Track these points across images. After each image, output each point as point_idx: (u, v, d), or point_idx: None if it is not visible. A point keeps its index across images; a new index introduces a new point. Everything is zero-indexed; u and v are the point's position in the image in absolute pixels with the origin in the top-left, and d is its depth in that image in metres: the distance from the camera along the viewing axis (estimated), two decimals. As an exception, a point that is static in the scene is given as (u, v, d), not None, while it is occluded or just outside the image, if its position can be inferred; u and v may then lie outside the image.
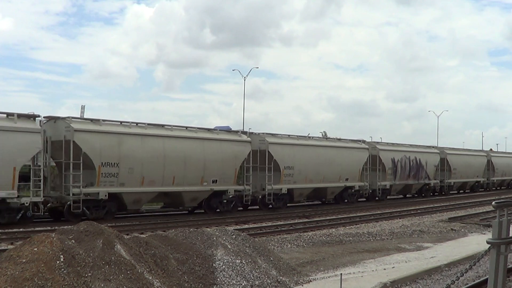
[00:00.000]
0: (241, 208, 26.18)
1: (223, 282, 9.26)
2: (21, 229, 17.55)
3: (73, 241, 8.42)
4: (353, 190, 31.83)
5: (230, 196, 24.58)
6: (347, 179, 30.99)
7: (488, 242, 6.44)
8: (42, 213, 19.46)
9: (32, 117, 18.98)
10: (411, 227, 20.74)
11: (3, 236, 16.15)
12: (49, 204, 20.04)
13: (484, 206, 30.63)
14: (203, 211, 24.51)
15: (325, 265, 12.63)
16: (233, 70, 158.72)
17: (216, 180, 23.86)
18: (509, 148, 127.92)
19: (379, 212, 27.67)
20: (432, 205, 31.92)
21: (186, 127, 24.33)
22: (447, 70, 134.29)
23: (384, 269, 11.81)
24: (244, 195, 25.31)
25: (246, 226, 20.49)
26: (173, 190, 22.46)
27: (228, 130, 27.06)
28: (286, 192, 27.17)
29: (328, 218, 24.29)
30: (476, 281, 9.98)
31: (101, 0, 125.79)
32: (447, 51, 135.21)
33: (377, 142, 36.37)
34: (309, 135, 32.32)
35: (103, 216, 20.28)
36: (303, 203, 31.07)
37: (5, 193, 17.77)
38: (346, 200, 31.76)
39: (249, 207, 26.90)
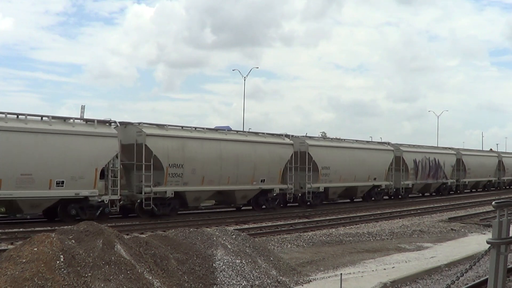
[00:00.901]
0: (282, 205, 27.99)
1: (223, 282, 9.25)
2: (21, 229, 17.56)
3: (73, 241, 8.41)
4: (379, 189, 34.09)
5: (275, 194, 26.68)
6: (375, 179, 33.39)
7: (488, 242, 6.43)
8: (119, 210, 21.15)
9: (108, 122, 21.01)
10: (411, 227, 20.73)
11: (3, 236, 16.15)
12: (121, 202, 21.44)
13: (484, 206, 30.63)
14: (250, 207, 26.63)
15: (325, 265, 12.63)
16: (233, 70, 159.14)
17: (264, 180, 26.10)
18: (509, 148, 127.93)
19: (379, 212, 27.67)
20: (432, 205, 31.91)
21: (237, 131, 27.37)
22: (447, 70, 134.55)
23: (384, 269, 11.81)
24: (287, 193, 27.28)
25: (246, 226, 20.49)
26: (227, 188, 24.60)
27: (273, 134, 28.73)
28: (323, 190, 29.38)
29: (328, 218, 24.29)
30: (476, 281, 9.98)
31: (101, 0, 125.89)
32: (447, 51, 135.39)
33: (401, 144, 38.17)
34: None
35: (168, 212, 22.29)
36: (336, 201, 32.80)
37: (88, 191, 19.73)
38: (373, 198, 33.75)
39: (288, 204, 28.72)
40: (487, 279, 7.00)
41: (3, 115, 18.29)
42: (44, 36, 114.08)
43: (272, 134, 28.26)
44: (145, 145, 21.30)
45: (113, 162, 20.63)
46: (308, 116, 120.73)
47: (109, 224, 15.32)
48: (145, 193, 21.15)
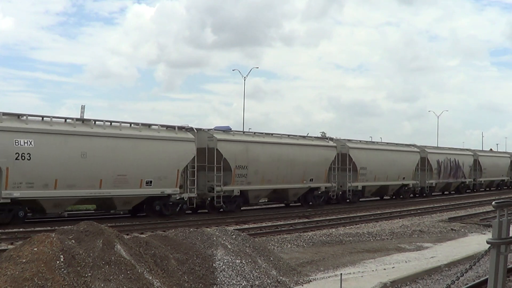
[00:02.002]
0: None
1: (223, 282, 9.25)
2: (21, 229, 17.56)
3: (73, 241, 8.41)
4: (407, 188, 36.73)
5: (320, 192, 29.28)
6: (403, 178, 36.03)
7: (488, 242, 6.43)
8: (195, 206, 23.54)
9: (185, 128, 23.59)
10: (411, 227, 20.73)
11: (3, 236, 16.14)
12: (188, 199, 23.40)
13: (484, 206, 30.63)
14: (299, 204, 29.37)
15: (325, 265, 12.63)
16: (233, 70, 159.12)
17: (312, 179, 28.68)
18: (509, 148, 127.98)
19: (379, 212, 27.68)
20: (432, 205, 31.91)
21: (288, 135, 29.36)
22: (447, 70, 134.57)
23: (384, 269, 11.81)
24: (331, 191, 29.99)
25: (246, 226, 20.49)
26: (282, 187, 27.21)
27: (318, 137, 31.81)
28: (361, 189, 31.96)
29: (328, 218, 24.29)
30: (476, 281, 9.97)
31: (101, 0, 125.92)
32: (448, 51, 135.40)
33: (425, 146, 40.99)
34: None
35: (234, 209, 24.86)
36: (370, 199, 35.43)
37: (171, 190, 22.07)
38: (401, 196, 36.43)
39: (330, 201, 30.89)
40: (487, 279, 7.00)
41: (102, 123, 20.69)
42: (44, 36, 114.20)
43: (318, 138, 31.53)
44: (216, 149, 23.82)
45: (191, 164, 22.91)
46: (309, 116, 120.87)
47: (109, 224, 15.32)
48: (216, 192, 23.68)
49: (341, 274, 9.74)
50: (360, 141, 34.88)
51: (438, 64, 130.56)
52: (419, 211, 28.28)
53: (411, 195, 37.97)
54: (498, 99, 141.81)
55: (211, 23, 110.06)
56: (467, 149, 48.44)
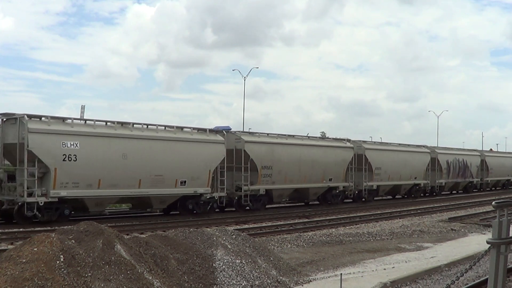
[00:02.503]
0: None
1: (223, 282, 9.25)
2: (21, 229, 17.56)
3: (73, 241, 8.41)
4: (418, 187, 38.21)
5: (337, 191, 30.72)
6: (415, 178, 37.54)
7: (488, 242, 6.43)
8: (224, 204, 24.81)
9: (214, 131, 24.87)
10: (411, 227, 20.73)
11: (3, 236, 16.13)
12: (219, 198, 24.53)
13: (484, 206, 30.62)
14: (317, 202, 30.66)
15: (325, 265, 12.63)
16: (233, 70, 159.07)
17: (331, 179, 30.11)
18: (509, 148, 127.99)
19: (379, 212, 27.68)
20: (432, 205, 31.90)
21: (308, 137, 31.00)
22: (448, 70, 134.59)
23: (384, 269, 11.81)
24: (348, 190, 31.42)
25: (246, 226, 20.48)
26: (304, 186, 28.46)
27: (336, 138, 33.22)
28: (376, 188, 33.53)
29: (328, 218, 24.29)
30: (476, 281, 9.97)
31: (101, 0, 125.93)
32: (448, 51, 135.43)
33: (435, 147, 43.23)
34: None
35: (259, 207, 26.06)
36: (384, 197, 36.97)
37: (203, 189, 23.25)
38: (413, 195, 37.76)
39: (345, 200, 32.11)
40: (487, 279, 7.00)
41: (140, 126, 21.80)
42: (44, 36, 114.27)
43: (336, 139, 32.93)
44: (244, 150, 25.05)
45: (221, 164, 24.03)
46: (309, 116, 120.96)
47: (109, 224, 15.32)
48: (243, 191, 24.94)
49: (341, 274, 9.74)
50: (375, 142, 36.80)
51: (438, 64, 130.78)
52: (419, 211, 28.27)
53: (422, 194, 39.34)
54: (498, 99, 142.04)
55: (212, 23, 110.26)
56: (474, 150, 50.15)
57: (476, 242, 16.08)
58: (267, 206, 27.24)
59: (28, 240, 8.09)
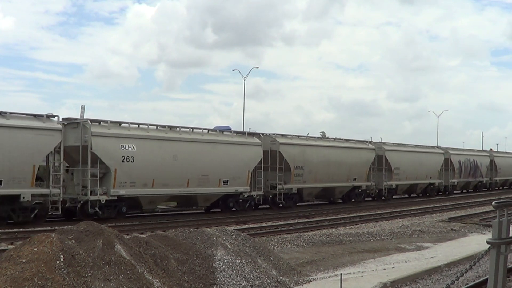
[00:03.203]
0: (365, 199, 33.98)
1: (223, 282, 9.25)
2: (21, 229, 17.56)
3: (73, 241, 8.41)
4: (433, 186, 40.24)
5: (360, 190, 32.62)
6: (430, 177, 39.68)
7: (488, 242, 6.43)
8: (261, 202, 26.68)
9: (253, 134, 27.02)
10: (411, 227, 20.73)
11: (3, 236, 16.14)
12: (257, 196, 26.33)
13: (484, 206, 30.61)
14: (341, 201, 32.50)
15: (325, 265, 12.63)
16: (233, 70, 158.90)
17: (355, 178, 32.00)
18: (509, 148, 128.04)
19: (379, 212, 27.68)
20: (432, 205, 31.90)
21: (334, 139, 33.52)
22: (448, 70, 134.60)
23: (384, 269, 11.81)
24: (370, 189, 33.41)
25: (246, 226, 20.48)
26: (331, 185, 30.42)
27: (360, 140, 35.03)
28: (395, 187, 35.60)
29: (328, 218, 24.30)
30: (476, 281, 9.97)
31: (101, 0, 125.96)
32: (448, 50, 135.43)
33: (448, 148, 44.61)
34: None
35: (291, 205, 27.73)
36: (401, 196, 38.74)
37: (243, 188, 25.15)
38: (428, 194, 39.76)
39: (366, 199, 34.00)
40: (487, 279, 7.00)
41: (187, 129, 23.66)
42: (44, 36, 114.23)
43: (360, 141, 34.66)
44: (279, 151, 26.77)
45: (258, 165, 25.81)
46: (309, 116, 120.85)
47: (109, 224, 15.33)
48: (278, 190, 26.64)
49: (341, 274, 9.74)
50: (393, 143, 38.27)
51: (438, 64, 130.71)
52: (419, 211, 28.27)
53: (436, 193, 41.24)
54: (498, 99, 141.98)
55: (212, 23, 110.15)
56: (484, 150, 53.18)
57: (476, 242, 16.07)
58: (298, 204, 29.09)
59: (28, 240, 8.09)
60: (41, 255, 7.50)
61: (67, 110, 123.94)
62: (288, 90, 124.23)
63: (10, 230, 17.19)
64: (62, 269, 7.47)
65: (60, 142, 19.22)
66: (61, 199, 19.24)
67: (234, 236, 11.09)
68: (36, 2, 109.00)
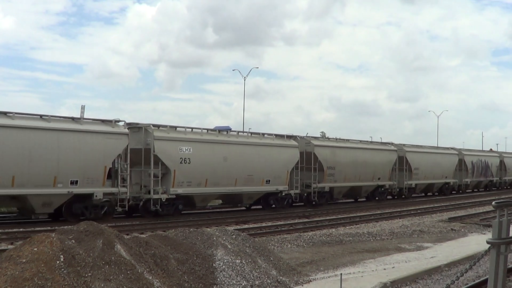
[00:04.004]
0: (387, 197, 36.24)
1: (223, 282, 9.25)
2: (21, 229, 17.56)
3: (73, 241, 8.41)
4: (448, 185, 42.45)
5: (383, 189, 34.72)
6: (446, 177, 41.96)
7: (488, 242, 6.43)
8: (297, 200, 28.57)
9: (291, 137, 28.93)
10: (411, 227, 20.73)
11: (3, 236, 16.14)
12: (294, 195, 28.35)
13: (484, 206, 30.61)
14: (364, 199, 34.59)
15: (325, 265, 12.63)
16: (233, 70, 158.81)
17: (379, 178, 34.07)
18: (509, 148, 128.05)
19: (379, 212, 27.69)
20: (432, 205, 31.91)
21: (360, 140, 35.23)
22: (449, 70, 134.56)
23: (384, 269, 11.81)
24: (392, 188, 35.54)
25: (246, 226, 20.49)
26: (358, 184, 32.45)
27: (383, 142, 37.83)
28: (414, 186, 37.62)
29: (328, 218, 24.30)
30: (476, 281, 9.97)
31: (101, 0, 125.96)
32: (449, 50, 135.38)
33: (462, 149, 47.07)
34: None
35: (324, 202, 29.73)
36: (421, 194, 40.66)
37: (282, 187, 27.24)
38: (443, 193, 41.90)
39: (388, 197, 36.29)
40: (487, 279, 7.00)
41: (234, 133, 26.28)
42: (44, 36, 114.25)
43: (383, 143, 37.48)
44: (313, 153, 28.81)
45: (295, 165, 27.86)
46: (309, 116, 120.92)
47: (109, 224, 15.32)
48: (313, 188, 28.64)
49: (341, 274, 9.74)
50: (413, 145, 40.47)
51: (439, 64, 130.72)
52: (419, 211, 28.27)
53: (451, 192, 43.28)
54: (499, 99, 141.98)
55: (213, 23, 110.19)
56: (494, 151, 56.23)
57: (476, 242, 16.07)
58: (331, 202, 31.22)
59: (28, 240, 8.09)
60: (41, 255, 7.50)
61: (67, 110, 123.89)
62: (288, 90, 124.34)
63: (10, 230, 17.19)
64: (62, 269, 7.47)
65: (127, 145, 20.86)
66: (128, 197, 20.97)
67: (234, 236, 11.09)
68: (36, 2, 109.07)
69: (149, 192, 21.55)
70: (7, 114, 18.49)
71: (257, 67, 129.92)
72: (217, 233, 10.94)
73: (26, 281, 7.04)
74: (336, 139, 33.11)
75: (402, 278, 10.45)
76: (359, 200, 34.74)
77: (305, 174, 28.59)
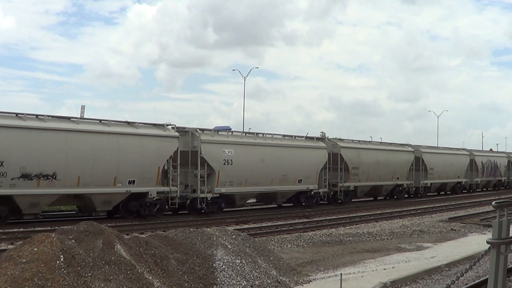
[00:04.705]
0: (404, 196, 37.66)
1: (223, 282, 9.25)
2: (21, 229, 17.56)
3: (73, 241, 8.41)
4: (460, 184, 44.26)
5: (401, 188, 36.48)
6: (458, 177, 43.91)
7: (488, 242, 6.43)
8: (325, 199, 30.60)
9: (318, 138, 31.54)
10: (411, 227, 20.73)
11: (3, 236, 16.13)
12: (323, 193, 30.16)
13: (484, 206, 30.61)
14: (385, 197, 36.42)
15: (325, 265, 12.63)
16: (233, 70, 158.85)
17: (398, 177, 35.78)
18: (509, 148, 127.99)
19: (379, 212, 27.69)
20: (432, 205, 31.91)
21: (380, 142, 37.80)
22: (449, 70, 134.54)
23: (384, 269, 11.81)
24: (410, 187, 37.43)
25: (246, 226, 20.48)
26: (379, 184, 34.30)
27: (401, 144, 39.07)
28: (430, 185, 39.76)
29: (328, 218, 24.29)
30: (476, 281, 9.97)
31: (101, 0, 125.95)
32: (450, 50, 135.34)
33: (472, 149, 49.24)
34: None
35: (348, 200, 31.42)
36: (434, 193, 42.26)
37: (312, 186, 28.75)
38: (456, 192, 43.57)
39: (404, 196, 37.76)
40: (487, 279, 7.00)
41: (270, 135, 27.65)
42: (44, 36, 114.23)
43: (401, 144, 39.05)
44: (340, 154, 30.66)
45: (324, 165, 29.38)
46: (310, 116, 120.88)
47: (109, 224, 15.32)
48: (339, 187, 30.56)
49: (341, 274, 9.74)
50: (427, 146, 42.75)
51: (439, 64, 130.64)
52: (419, 211, 28.27)
53: (462, 191, 44.97)
54: (499, 99, 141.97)
55: (213, 23, 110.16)
56: (502, 152, 58.16)
57: (476, 242, 16.08)
58: (354, 200, 33.04)
59: (28, 240, 8.09)
60: (41, 255, 7.50)
61: (67, 110, 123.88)
62: (288, 90, 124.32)
63: (10, 230, 17.18)
64: (62, 269, 7.47)
65: (178, 148, 22.26)
66: (178, 195, 22.42)
67: (234, 236, 11.09)
68: (36, 2, 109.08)
69: (194, 191, 23.24)
70: (71, 119, 19.98)
71: (257, 67, 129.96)
72: (217, 233, 10.94)
73: (26, 281, 7.04)
74: (359, 141, 34.91)
75: (402, 278, 10.46)
76: (378, 198, 36.43)
77: (331, 174, 30.24)
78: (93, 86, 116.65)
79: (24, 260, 7.41)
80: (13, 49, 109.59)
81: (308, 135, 30.43)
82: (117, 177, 20.29)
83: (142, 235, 12.89)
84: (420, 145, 40.47)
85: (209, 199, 23.35)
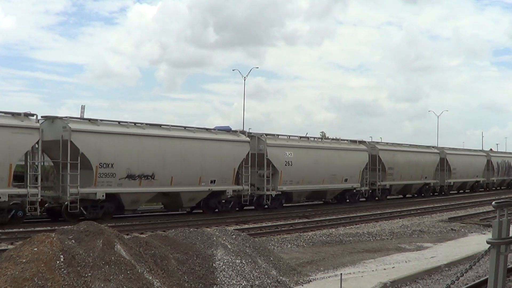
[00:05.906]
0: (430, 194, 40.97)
1: (223, 282, 9.25)
2: (21, 229, 17.56)
3: (73, 241, 8.41)
4: (478, 183, 47.53)
5: (428, 187, 40.18)
6: (477, 176, 47.12)
7: (488, 242, 6.43)
8: (367, 196, 33.85)
9: (360, 142, 33.81)
10: (411, 227, 20.73)
11: (3, 236, 16.13)
12: (364, 191, 33.37)
13: (484, 206, 30.61)
14: (413, 195, 39.48)
15: (325, 265, 12.63)
16: (233, 70, 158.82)
17: (426, 177, 39.61)
18: (509, 148, 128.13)
19: (379, 212, 27.68)
20: (432, 205, 31.91)
21: (410, 144, 39.88)
22: (450, 70, 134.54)
23: (384, 269, 11.81)
24: (436, 186, 41.24)
25: (246, 226, 20.47)
26: (410, 182, 37.66)
27: (427, 146, 42.72)
28: (452, 184, 43.17)
29: (328, 218, 24.29)
30: (476, 281, 9.97)
31: (101, 0, 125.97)
32: (450, 50, 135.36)
33: (489, 151, 53.53)
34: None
35: (383, 198, 34.99)
36: (455, 191, 44.94)
37: (356, 185, 31.76)
38: (474, 190, 46.68)
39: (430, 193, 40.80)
40: (487, 279, 7.00)
41: (313, 138, 31.07)
42: (44, 36, 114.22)
43: (427, 146, 42.33)
44: (378, 156, 33.81)
45: (365, 166, 32.50)
46: (310, 116, 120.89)
47: (109, 224, 15.32)
48: (377, 186, 33.97)
49: (341, 274, 9.74)
50: (450, 148, 45.51)
51: (440, 64, 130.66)
52: (419, 211, 28.27)
53: (480, 190, 47.97)
54: (499, 99, 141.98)
55: (214, 23, 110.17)
56: None
57: (476, 242, 16.08)
58: (388, 197, 36.20)
59: (28, 240, 8.09)
60: (41, 255, 7.51)
61: (67, 110, 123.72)
62: (289, 90, 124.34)
63: (10, 230, 17.18)
64: (62, 269, 7.47)
65: (249, 151, 25.32)
66: (249, 193, 25.41)
67: (234, 236, 11.09)
68: (36, 2, 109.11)
69: (258, 189, 26.28)
70: (162, 126, 22.73)
71: (257, 67, 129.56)
72: (217, 233, 10.94)
73: (26, 281, 7.04)
74: (393, 143, 38.18)
75: (402, 278, 10.46)
76: (407, 196, 39.56)
77: (370, 174, 33.20)
78: (93, 86, 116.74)
79: (24, 260, 7.41)
80: (13, 49, 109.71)
81: (352, 139, 33.54)
82: (202, 177, 23.36)
83: (142, 235, 12.89)
84: (444, 147, 44.22)
85: (273, 196, 26.43)
